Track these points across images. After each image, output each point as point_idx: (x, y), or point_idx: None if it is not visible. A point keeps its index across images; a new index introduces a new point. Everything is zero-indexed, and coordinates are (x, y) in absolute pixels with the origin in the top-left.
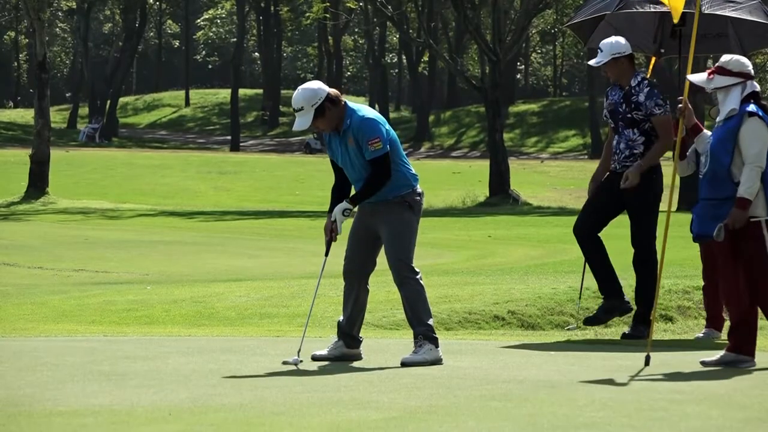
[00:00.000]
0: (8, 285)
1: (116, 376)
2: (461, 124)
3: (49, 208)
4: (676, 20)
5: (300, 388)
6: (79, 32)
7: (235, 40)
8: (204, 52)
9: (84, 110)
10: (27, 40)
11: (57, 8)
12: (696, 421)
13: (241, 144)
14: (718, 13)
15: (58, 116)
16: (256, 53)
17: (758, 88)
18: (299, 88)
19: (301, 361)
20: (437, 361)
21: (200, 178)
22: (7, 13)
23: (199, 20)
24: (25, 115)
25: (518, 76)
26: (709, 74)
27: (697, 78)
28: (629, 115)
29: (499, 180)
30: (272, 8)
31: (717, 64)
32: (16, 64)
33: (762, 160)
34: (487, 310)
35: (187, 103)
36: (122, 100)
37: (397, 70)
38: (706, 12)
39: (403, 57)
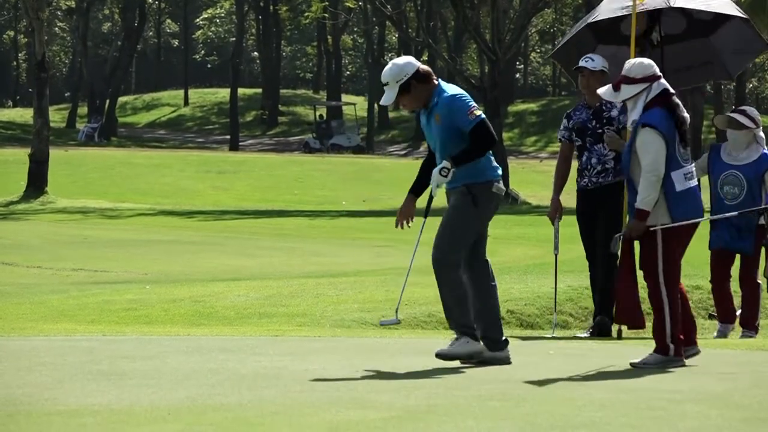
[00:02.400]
0: (7, 284)
1: (115, 375)
2: None
3: (48, 208)
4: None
5: (299, 388)
6: (78, 31)
7: (234, 39)
8: (203, 52)
9: (83, 110)
10: (26, 40)
11: (56, 7)
12: (694, 421)
13: (240, 143)
14: (687, 7)
15: (57, 116)
16: (255, 52)
17: (667, 85)
18: (390, 62)
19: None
20: (474, 355)
21: (199, 177)
22: (6, 13)
23: (198, 19)
24: (24, 115)
25: (517, 75)
26: (615, 86)
27: (605, 91)
28: (600, 131)
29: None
30: (271, 7)
31: (622, 74)
32: (15, 63)
33: (657, 169)
34: None
35: (186, 103)
36: (121, 99)
37: None
38: (674, 6)
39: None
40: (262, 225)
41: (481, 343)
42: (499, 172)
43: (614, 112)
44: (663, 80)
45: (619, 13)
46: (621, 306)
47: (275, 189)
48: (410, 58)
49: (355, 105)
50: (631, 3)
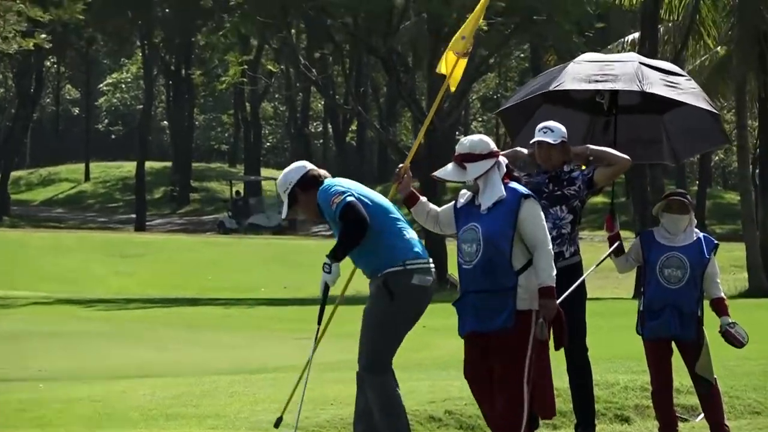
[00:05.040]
0: None
1: None
2: (394, 201)
3: None
4: (453, 88)
5: None
6: None
7: (141, 106)
8: (106, 121)
9: None
10: None
11: None
12: None
13: (147, 223)
14: (659, 93)
15: None
16: (165, 122)
17: (506, 161)
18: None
19: None
20: None
21: (101, 261)
22: None
23: (101, 85)
24: None
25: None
26: (459, 164)
27: (449, 172)
28: (558, 193)
29: (436, 264)
30: (183, 71)
31: (459, 153)
32: None
33: (549, 241)
34: (422, 409)
35: (87, 178)
36: (14, 174)
37: (322, 141)
38: (648, 91)
39: (329, 125)
40: (172, 315)
41: None
42: (423, 257)
43: (575, 173)
44: (502, 156)
45: (587, 87)
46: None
47: (186, 274)
48: (301, 164)
49: (276, 180)
50: (603, 76)
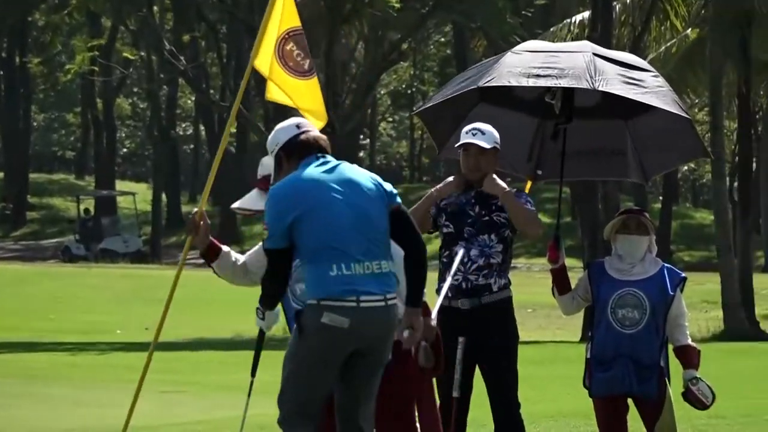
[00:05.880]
0: None
1: None
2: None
3: None
4: (319, 127)
5: None
6: None
7: None
8: None
9: None
10: None
11: None
12: None
13: None
14: (616, 92)
15: None
16: None
17: None
18: None
19: None
20: None
21: None
22: None
23: None
24: None
25: (361, 153)
26: (264, 190)
27: (249, 200)
28: (487, 218)
29: None
30: (18, 59)
31: (262, 175)
32: None
33: None
34: None
35: None
36: None
37: (192, 146)
38: (601, 89)
39: (201, 127)
40: (4, 363)
41: None
42: (349, 295)
43: None
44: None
45: (525, 83)
46: None
47: (22, 313)
48: (293, 123)
49: (135, 195)
50: (546, 70)
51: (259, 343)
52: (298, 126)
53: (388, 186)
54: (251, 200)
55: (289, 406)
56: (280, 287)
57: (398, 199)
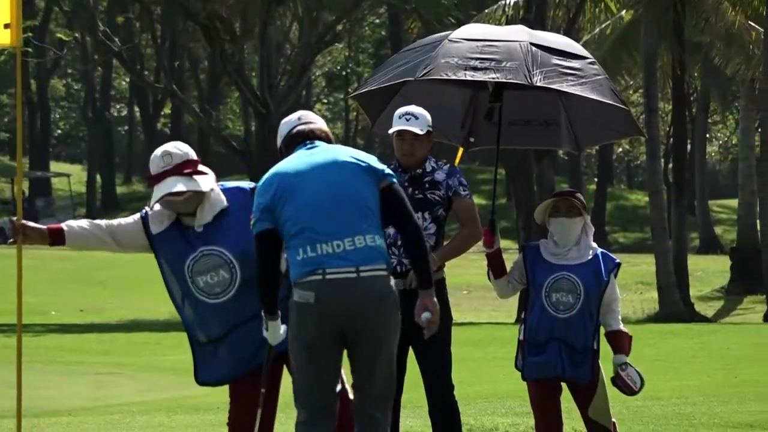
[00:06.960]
0: None
1: None
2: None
3: None
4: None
5: None
6: None
7: None
8: None
9: None
10: None
11: None
12: None
13: None
14: (554, 87)
15: None
16: None
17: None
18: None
19: None
20: None
21: None
22: None
23: None
24: None
25: None
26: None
27: (169, 187)
28: (420, 196)
29: None
30: None
31: (187, 158)
32: None
33: None
34: None
35: None
36: None
37: (127, 127)
38: (538, 84)
39: (136, 109)
40: None
41: None
42: (315, 270)
43: (439, 175)
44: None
45: (462, 76)
46: None
47: None
48: (296, 116)
49: (70, 177)
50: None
51: (267, 357)
52: (299, 118)
53: (379, 164)
54: (169, 185)
55: (297, 395)
56: (267, 274)
57: (392, 179)
